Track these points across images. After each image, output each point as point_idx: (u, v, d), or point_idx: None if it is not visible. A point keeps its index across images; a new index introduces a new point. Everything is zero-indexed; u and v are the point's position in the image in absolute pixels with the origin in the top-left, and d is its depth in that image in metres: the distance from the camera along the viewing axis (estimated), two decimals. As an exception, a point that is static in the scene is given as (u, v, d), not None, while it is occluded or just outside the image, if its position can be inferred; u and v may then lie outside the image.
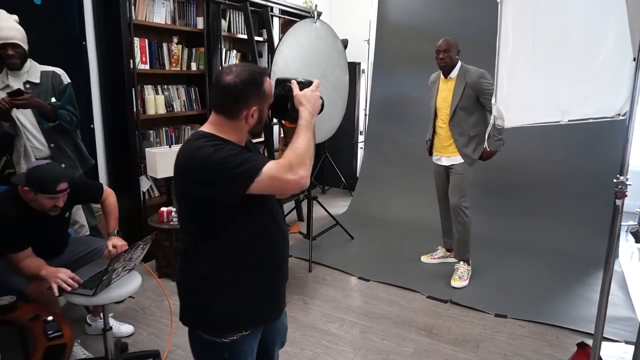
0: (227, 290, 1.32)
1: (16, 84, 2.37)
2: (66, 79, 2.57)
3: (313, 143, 1.26)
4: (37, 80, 2.44)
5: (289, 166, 1.19)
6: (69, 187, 2.01)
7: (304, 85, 1.33)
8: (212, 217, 1.27)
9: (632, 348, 1.72)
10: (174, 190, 1.35)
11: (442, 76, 3.10)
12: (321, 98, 1.36)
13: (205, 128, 1.30)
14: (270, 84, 1.30)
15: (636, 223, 4.35)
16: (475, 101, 2.96)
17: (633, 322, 2.69)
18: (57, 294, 1.90)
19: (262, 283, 1.37)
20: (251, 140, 1.43)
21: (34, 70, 2.44)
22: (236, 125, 1.28)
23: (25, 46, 2.35)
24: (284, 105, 1.32)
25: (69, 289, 1.90)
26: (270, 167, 1.19)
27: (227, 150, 1.20)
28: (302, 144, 1.23)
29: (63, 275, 1.92)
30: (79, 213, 2.65)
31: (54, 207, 1.99)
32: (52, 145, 2.49)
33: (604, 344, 2.24)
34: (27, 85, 2.41)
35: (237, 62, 4.41)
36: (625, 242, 4.09)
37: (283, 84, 1.33)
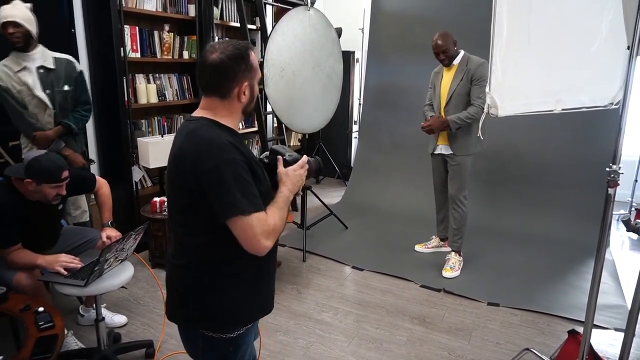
0: (230, 286, 1.26)
1: (32, 66, 2.45)
2: (79, 67, 2.68)
3: (285, 218, 1.29)
4: (52, 66, 2.53)
5: (268, 232, 1.18)
6: (69, 175, 2.01)
7: (288, 163, 1.36)
8: (211, 208, 1.18)
9: (621, 335, 1.74)
10: (168, 174, 1.29)
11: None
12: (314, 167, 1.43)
13: (198, 114, 1.25)
14: (255, 57, 1.27)
15: (627, 212, 4.39)
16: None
17: (623, 310, 2.72)
18: (65, 273, 1.95)
19: (264, 275, 1.34)
20: (258, 162, 1.33)
21: (47, 56, 2.52)
22: (230, 106, 1.24)
23: (30, 27, 2.39)
24: (273, 173, 1.37)
25: (78, 266, 1.97)
26: (259, 218, 1.16)
27: (242, 170, 1.16)
28: (280, 222, 1.24)
29: (65, 258, 1.99)
30: None
31: (57, 196, 2.00)
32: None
33: (594, 331, 2.27)
34: (41, 70, 2.48)
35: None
36: (617, 230, 4.14)
37: (275, 154, 1.38)
